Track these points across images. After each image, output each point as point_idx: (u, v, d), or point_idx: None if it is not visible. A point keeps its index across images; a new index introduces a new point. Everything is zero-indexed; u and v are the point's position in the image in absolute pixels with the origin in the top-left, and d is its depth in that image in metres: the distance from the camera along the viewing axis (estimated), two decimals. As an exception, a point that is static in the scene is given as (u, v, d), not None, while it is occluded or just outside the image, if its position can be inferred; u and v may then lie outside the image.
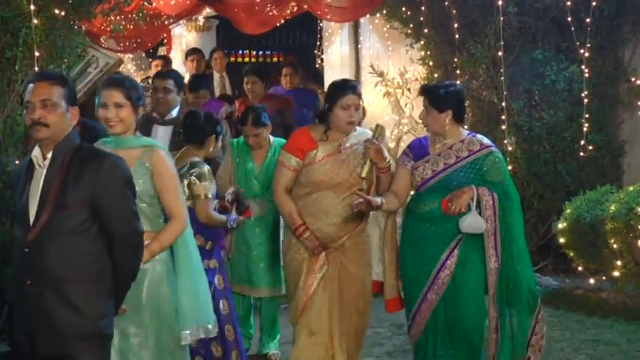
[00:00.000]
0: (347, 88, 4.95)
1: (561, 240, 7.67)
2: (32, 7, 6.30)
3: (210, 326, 4.18)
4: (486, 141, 4.96)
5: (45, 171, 3.55)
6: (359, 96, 4.96)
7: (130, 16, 8.78)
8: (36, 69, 6.31)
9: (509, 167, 8.34)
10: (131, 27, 8.90)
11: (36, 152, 3.64)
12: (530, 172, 8.61)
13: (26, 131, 3.88)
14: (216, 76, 10.27)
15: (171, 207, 4.09)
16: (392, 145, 9.94)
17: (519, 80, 8.58)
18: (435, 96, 4.85)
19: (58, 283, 3.40)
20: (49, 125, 3.48)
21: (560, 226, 7.64)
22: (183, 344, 4.07)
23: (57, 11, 6.66)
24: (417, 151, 4.98)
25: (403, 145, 9.82)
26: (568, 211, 7.62)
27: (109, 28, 8.42)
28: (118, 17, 8.47)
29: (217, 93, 9.45)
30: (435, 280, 4.76)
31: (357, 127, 5.08)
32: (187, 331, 4.05)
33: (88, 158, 3.53)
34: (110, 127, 4.04)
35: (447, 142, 4.88)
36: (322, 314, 4.96)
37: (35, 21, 6.37)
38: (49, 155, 3.53)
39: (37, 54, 6.37)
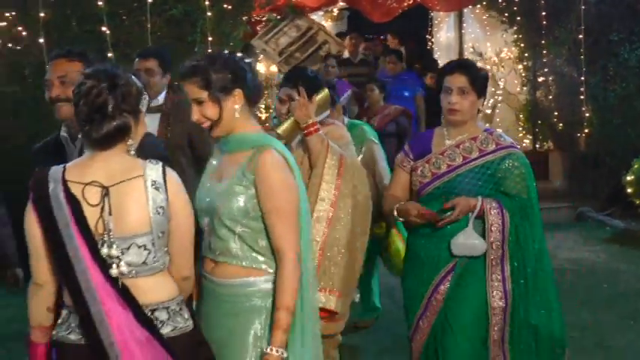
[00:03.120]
0: (284, 79, 3.80)
1: (629, 190, 8.11)
2: (207, 3, 7.02)
3: None
4: (505, 139, 3.56)
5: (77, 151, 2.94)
6: (298, 90, 3.58)
7: (280, 8, 9.39)
8: (209, 50, 6.85)
9: (586, 130, 8.99)
10: (280, 17, 9.40)
11: (64, 132, 3.11)
12: (604, 133, 8.91)
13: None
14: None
15: (278, 237, 2.61)
16: (488, 111, 10.11)
17: (596, 58, 8.89)
18: (476, 76, 3.50)
19: None
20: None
21: (629, 178, 8.07)
22: None
23: (225, 5, 7.41)
24: (418, 148, 3.62)
25: (498, 112, 10.21)
26: (636, 166, 8.04)
27: (264, 18, 9.24)
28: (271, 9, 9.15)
29: None
30: (427, 307, 3.51)
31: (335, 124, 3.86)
32: None
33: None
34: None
35: (460, 137, 3.53)
36: None
37: (209, 13, 7.03)
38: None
39: (210, 39, 6.99)
